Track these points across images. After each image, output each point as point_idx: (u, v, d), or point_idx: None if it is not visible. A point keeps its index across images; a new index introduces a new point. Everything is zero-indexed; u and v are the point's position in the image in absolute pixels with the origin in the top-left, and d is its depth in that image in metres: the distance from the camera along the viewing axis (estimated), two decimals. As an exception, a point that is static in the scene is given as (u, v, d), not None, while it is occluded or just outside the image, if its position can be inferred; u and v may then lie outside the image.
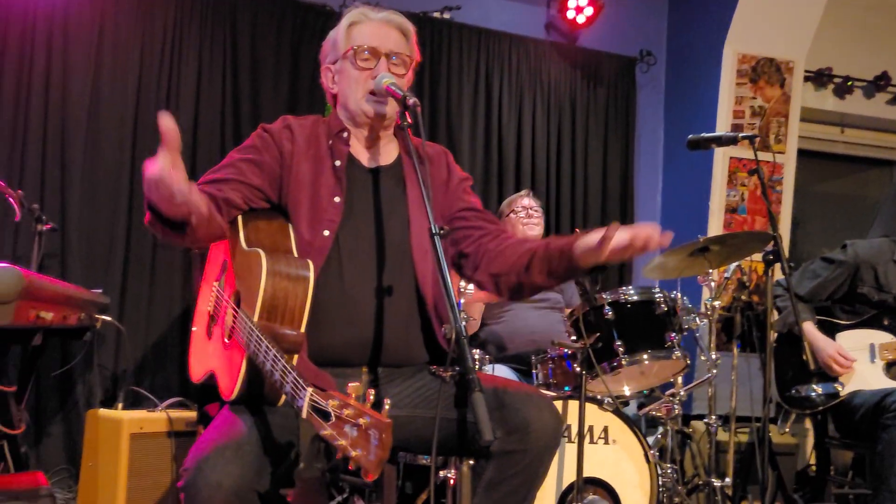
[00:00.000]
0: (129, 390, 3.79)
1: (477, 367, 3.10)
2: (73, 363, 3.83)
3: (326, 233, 1.97)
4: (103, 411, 3.15)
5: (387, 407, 1.42)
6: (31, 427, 3.75)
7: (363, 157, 2.11)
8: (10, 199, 3.23)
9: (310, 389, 1.48)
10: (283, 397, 1.74)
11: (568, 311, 3.80)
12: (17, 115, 3.98)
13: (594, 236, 1.84)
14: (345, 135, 2.08)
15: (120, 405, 3.30)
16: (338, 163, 2.04)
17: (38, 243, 3.36)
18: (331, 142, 2.08)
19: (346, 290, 1.96)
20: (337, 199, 2.00)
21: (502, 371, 3.44)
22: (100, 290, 3.27)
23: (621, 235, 1.80)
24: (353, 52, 2.05)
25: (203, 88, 4.34)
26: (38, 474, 2.54)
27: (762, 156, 3.01)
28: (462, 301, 2.98)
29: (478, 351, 3.21)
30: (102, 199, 4.10)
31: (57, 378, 3.90)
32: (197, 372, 2.09)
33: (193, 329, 2.17)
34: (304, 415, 1.48)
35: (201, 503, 1.59)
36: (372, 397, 1.44)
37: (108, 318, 3.21)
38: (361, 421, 1.38)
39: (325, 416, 1.44)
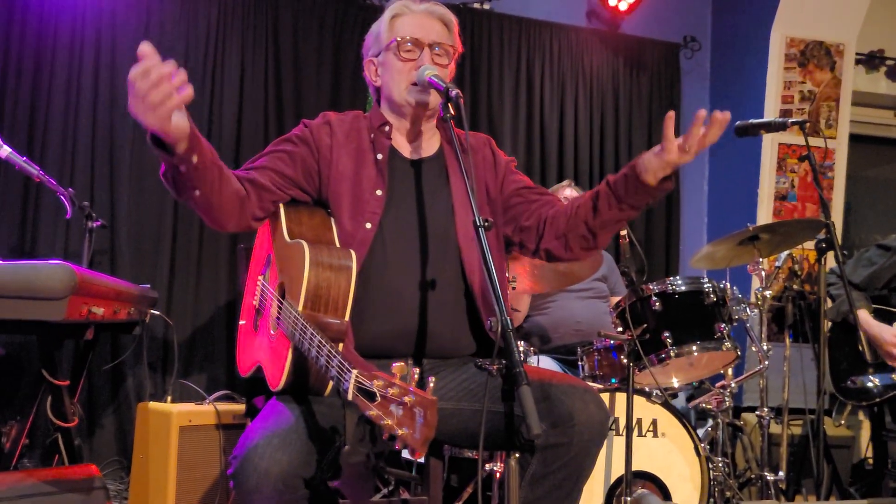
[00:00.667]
0: (178, 383, 3.85)
1: (522, 358, 3.08)
2: (124, 357, 3.90)
3: (368, 225, 1.97)
4: (153, 404, 3.20)
5: (431, 385, 1.42)
6: (83, 420, 3.84)
7: (405, 149, 2.11)
8: (62, 198, 3.28)
9: (355, 371, 1.49)
10: (329, 387, 1.76)
11: (614, 300, 3.77)
12: (68, 116, 4.07)
13: (653, 149, 1.86)
14: (386, 128, 2.09)
15: (169, 398, 3.34)
16: (380, 156, 2.05)
17: (89, 240, 3.41)
18: (372, 135, 2.08)
19: (389, 282, 1.96)
20: (379, 192, 2.01)
21: (547, 362, 3.41)
22: (148, 286, 3.31)
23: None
24: (397, 44, 2.05)
25: (246, 86, 4.37)
26: (91, 466, 2.58)
27: (813, 141, 2.93)
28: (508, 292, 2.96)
29: (522, 342, 3.18)
30: (150, 196, 4.17)
31: (108, 372, 3.98)
32: (244, 365, 2.11)
33: (241, 323, 2.19)
34: (349, 396, 1.48)
35: (250, 490, 1.61)
36: (417, 376, 1.43)
37: (157, 313, 3.26)
38: (406, 399, 1.37)
39: (370, 396, 1.43)
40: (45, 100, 4.03)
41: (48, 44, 4.05)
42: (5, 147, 3.17)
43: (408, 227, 2.00)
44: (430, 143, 2.15)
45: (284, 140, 2.08)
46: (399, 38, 2.05)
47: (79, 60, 4.09)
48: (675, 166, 1.87)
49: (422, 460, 2.54)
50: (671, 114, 1.82)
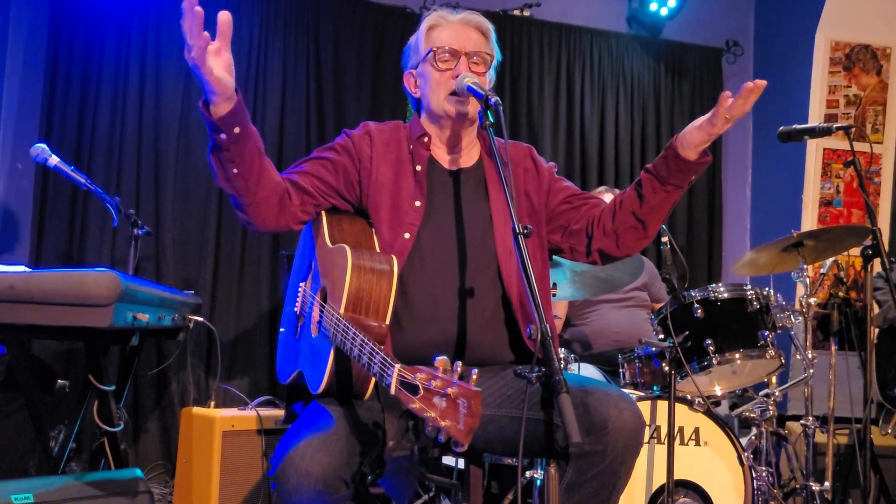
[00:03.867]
0: (221, 388, 3.90)
1: (562, 365, 3.07)
2: (168, 362, 3.96)
3: (407, 235, 1.99)
4: (197, 409, 3.24)
5: (475, 377, 1.42)
6: (129, 425, 3.90)
7: (444, 160, 2.13)
8: (109, 206, 3.35)
9: (398, 365, 1.50)
10: (370, 390, 1.77)
11: (656, 306, 3.74)
12: (114, 125, 4.16)
13: (693, 123, 1.92)
14: (426, 139, 2.10)
15: (212, 403, 3.39)
16: (419, 167, 2.06)
17: (135, 247, 3.47)
18: (412, 146, 2.10)
19: (428, 291, 1.97)
20: (417, 203, 2.02)
21: (588, 369, 3.39)
22: (192, 292, 3.36)
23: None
24: (433, 54, 2.06)
25: (287, 94, 4.43)
26: (136, 470, 2.63)
27: (859, 146, 2.87)
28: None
29: (563, 350, 3.17)
30: (194, 204, 4.23)
31: (153, 377, 4.05)
32: (285, 372, 2.13)
33: (281, 330, 2.22)
34: (392, 391, 1.49)
35: (291, 491, 1.63)
36: (460, 369, 1.43)
37: (200, 319, 3.30)
38: (450, 390, 1.38)
39: (413, 390, 1.45)
40: (91, 110, 4.13)
41: (95, 55, 4.15)
42: (54, 156, 3.25)
43: (446, 238, 2.02)
44: (470, 154, 2.16)
45: (327, 148, 2.11)
46: (436, 48, 2.06)
47: (124, 71, 4.19)
48: (716, 136, 1.93)
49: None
50: (727, 93, 1.84)
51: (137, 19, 4.22)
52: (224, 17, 1.63)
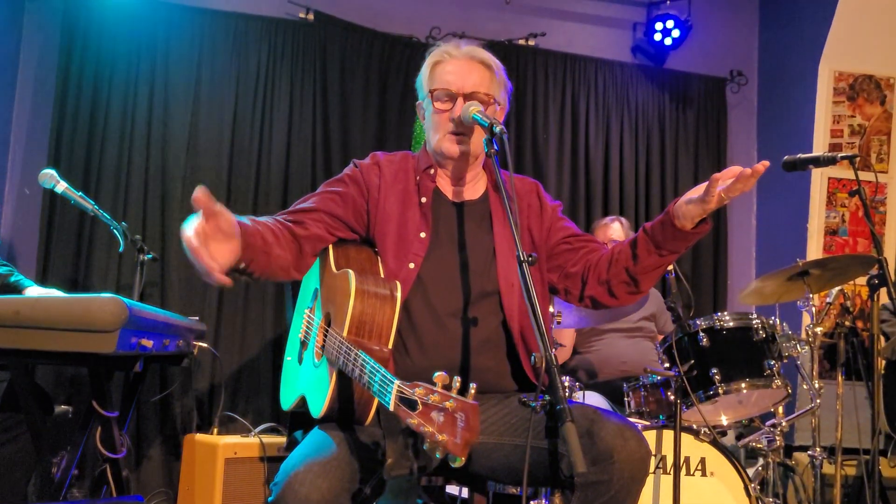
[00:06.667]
0: (224, 415, 3.88)
1: (567, 393, 3.05)
2: (172, 389, 3.95)
3: (412, 265, 2.00)
4: (200, 436, 3.23)
5: (473, 391, 1.41)
6: (131, 451, 3.89)
7: (450, 191, 2.14)
8: (115, 231, 3.36)
9: (396, 381, 1.50)
10: (371, 415, 1.77)
11: (661, 338, 3.72)
12: (122, 151, 4.19)
13: (687, 196, 1.87)
14: (431, 171, 2.12)
15: (215, 430, 3.38)
16: (423, 199, 2.08)
17: (140, 273, 3.48)
18: (418, 178, 2.11)
19: (432, 319, 1.98)
20: (423, 235, 2.04)
21: (593, 397, 3.37)
22: (196, 318, 3.36)
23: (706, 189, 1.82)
24: (432, 94, 2.08)
25: (294, 122, 4.46)
26: (138, 497, 2.61)
27: (863, 175, 2.88)
28: (553, 328, 2.94)
29: (567, 378, 3.16)
30: (199, 230, 4.23)
31: (156, 404, 4.03)
32: (287, 399, 2.13)
33: (287, 359, 2.22)
34: (391, 407, 1.49)
35: None
36: (458, 384, 1.43)
37: (205, 345, 3.30)
38: (448, 404, 1.38)
39: (411, 405, 1.44)
40: (100, 136, 4.16)
41: (104, 82, 4.19)
42: (62, 182, 3.27)
43: (449, 270, 2.03)
44: (476, 187, 2.17)
45: (336, 181, 2.12)
46: (434, 90, 2.08)
47: (133, 98, 4.23)
48: (712, 211, 1.88)
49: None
50: (717, 175, 1.80)
51: (146, 46, 4.27)
52: (198, 193, 1.59)
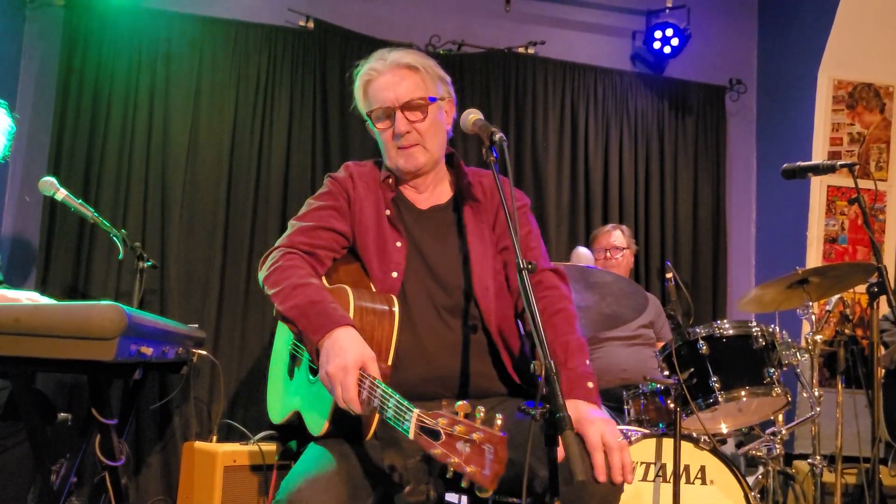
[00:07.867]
0: (223, 423, 3.88)
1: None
2: (171, 396, 3.94)
3: (395, 274, 2.00)
4: (199, 444, 3.22)
5: (499, 422, 1.39)
6: (130, 459, 3.88)
7: (416, 199, 2.13)
8: (115, 238, 3.36)
9: (416, 410, 1.48)
10: (371, 431, 1.75)
11: (660, 344, 3.72)
12: (122, 158, 4.19)
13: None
14: (390, 181, 2.10)
15: (214, 437, 3.37)
16: (388, 212, 2.07)
17: (140, 280, 3.48)
18: (382, 189, 2.10)
19: (416, 327, 1.97)
20: (399, 244, 2.03)
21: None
22: (196, 325, 3.35)
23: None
24: (371, 116, 2.07)
25: (294, 130, 4.47)
26: (137, 505, 2.60)
27: (863, 183, 2.88)
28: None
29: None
30: (199, 238, 4.25)
31: (155, 411, 4.03)
32: (278, 413, 2.12)
33: (273, 369, 2.21)
34: (411, 436, 1.47)
35: None
36: (482, 414, 1.41)
37: (204, 353, 3.30)
38: (475, 436, 1.36)
39: (434, 435, 1.42)
40: (99, 144, 4.16)
41: (104, 90, 4.20)
42: (62, 190, 3.27)
43: (425, 276, 2.02)
44: (441, 190, 2.16)
45: (324, 195, 2.10)
46: (370, 112, 2.07)
47: (133, 105, 4.23)
48: None
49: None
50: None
51: (146, 54, 4.28)
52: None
